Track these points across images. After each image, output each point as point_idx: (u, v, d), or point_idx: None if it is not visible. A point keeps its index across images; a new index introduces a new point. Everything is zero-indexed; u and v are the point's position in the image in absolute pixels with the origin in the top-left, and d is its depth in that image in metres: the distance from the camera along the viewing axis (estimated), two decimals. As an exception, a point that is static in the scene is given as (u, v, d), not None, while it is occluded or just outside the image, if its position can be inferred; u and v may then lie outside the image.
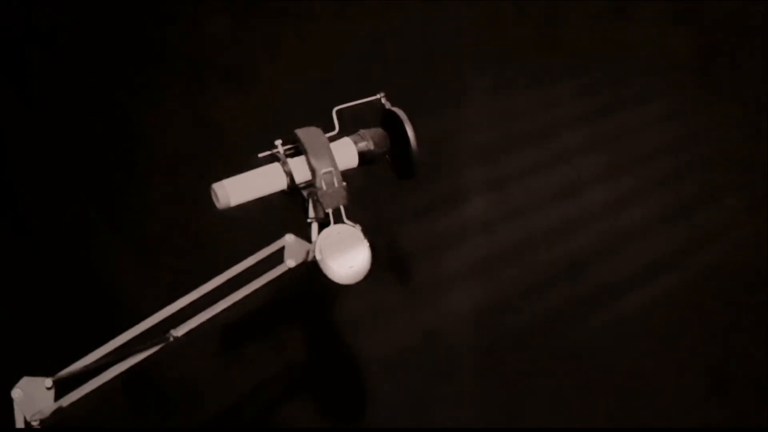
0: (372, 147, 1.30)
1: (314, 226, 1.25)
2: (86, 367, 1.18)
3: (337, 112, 1.30)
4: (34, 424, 1.16)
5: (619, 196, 2.17)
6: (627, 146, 2.25)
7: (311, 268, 1.23)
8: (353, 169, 1.30)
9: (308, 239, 1.26)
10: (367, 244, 1.21)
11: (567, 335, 1.95)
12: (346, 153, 1.28)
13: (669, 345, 1.94)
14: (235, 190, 1.21)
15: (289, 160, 1.24)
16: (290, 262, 1.29)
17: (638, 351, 1.93)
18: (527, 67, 2.33)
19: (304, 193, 1.25)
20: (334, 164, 1.24)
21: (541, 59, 2.34)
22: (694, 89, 2.35)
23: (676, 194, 2.18)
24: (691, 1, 2.44)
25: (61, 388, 1.17)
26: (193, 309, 1.24)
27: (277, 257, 1.30)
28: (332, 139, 1.27)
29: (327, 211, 1.23)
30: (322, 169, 1.23)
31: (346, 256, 1.20)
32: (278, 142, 1.25)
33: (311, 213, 1.24)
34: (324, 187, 1.23)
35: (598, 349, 1.93)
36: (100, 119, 2.16)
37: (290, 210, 1.29)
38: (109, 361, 1.19)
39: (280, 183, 1.24)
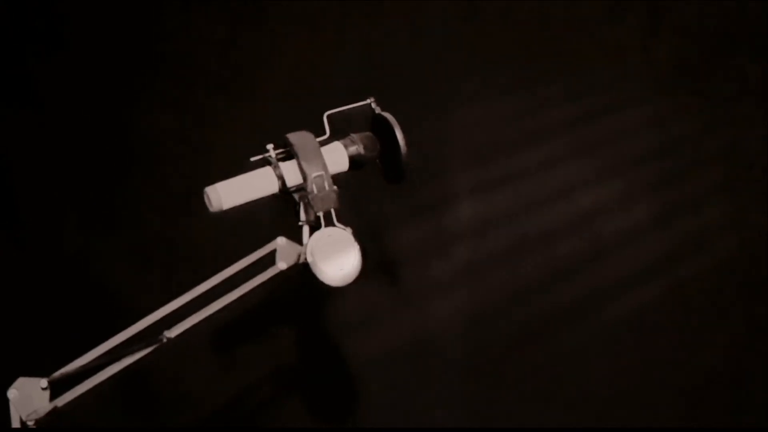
0: (362, 151, 1.31)
1: (305, 229, 1.25)
2: (81, 367, 1.18)
3: (328, 116, 1.31)
4: (30, 423, 1.16)
5: (608, 200, 2.18)
6: (615, 150, 2.26)
7: (302, 271, 1.25)
8: (344, 173, 1.32)
9: (299, 242, 1.27)
10: (358, 247, 1.22)
11: (556, 339, 1.96)
12: (336, 157, 1.29)
13: (660, 349, 1.95)
14: (227, 194, 1.22)
15: (280, 163, 1.25)
16: (282, 265, 1.30)
17: (628, 355, 1.94)
18: (516, 72, 2.34)
19: (296, 196, 1.26)
20: (324, 168, 1.25)
21: (530, 64, 2.36)
22: (681, 94, 2.36)
23: (665, 199, 2.19)
24: (676, 7, 2.46)
25: (57, 389, 1.18)
26: (187, 311, 1.26)
27: (269, 260, 1.31)
28: (323, 143, 1.28)
29: (318, 214, 1.24)
30: (313, 172, 1.24)
31: (336, 258, 1.21)
32: (270, 146, 1.26)
33: (302, 216, 1.25)
34: (315, 191, 1.24)
35: (588, 353, 1.94)
36: (95, 122, 2.16)
37: (282, 213, 1.30)
38: (104, 361, 1.19)
39: (272, 186, 1.25)
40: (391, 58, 2.30)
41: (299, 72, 2.27)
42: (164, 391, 1.82)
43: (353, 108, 1.33)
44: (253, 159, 1.26)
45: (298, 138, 1.26)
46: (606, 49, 2.40)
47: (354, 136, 1.32)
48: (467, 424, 1.85)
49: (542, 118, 2.29)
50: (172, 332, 1.23)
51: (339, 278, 1.21)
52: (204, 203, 1.23)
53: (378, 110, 1.33)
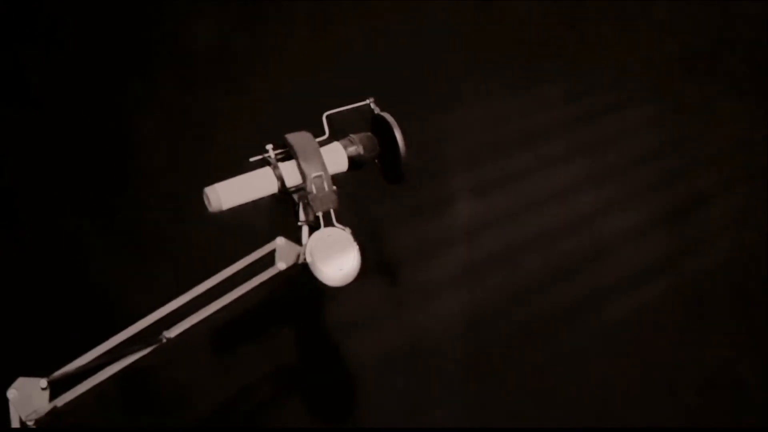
0: (361, 151, 1.31)
1: (305, 230, 1.26)
2: (81, 367, 1.19)
3: (328, 117, 1.31)
4: (30, 423, 1.16)
5: (608, 200, 2.18)
6: (615, 151, 2.26)
7: (302, 271, 1.25)
8: (343, 173, 1.32)
9: (299, 242, 1.27)
10: (357, 247, 1.23)
11: (556, 339, 1.96)
12: (335, 157, 1.29)
13: (660, 349, 1.95)
14: (227, 194, 1.22)
15: (280, 164, 1.25)
16: (281, 265, 1.30)
17: (628, 355, 1.94)
18: (516, 73, 2.34)
19: (295, 196, 1.26)
20: (324, 168, 1.25)
21: (530, 64, 2.36)
22: (681, 93, 2.37)
23: (665, 199, 2.19)
24: (676, 7, 2.46)
25: (56, 389, 1.18)
26: (186, 311, 1.26)
27: (268, 260, 1.31)
28: (322, 143, 1.29)
29: (317, 214, 1.24)
30: (313, 173, 1.24)
31: (335, 259, 1.21)
32: (269, 147, 1.27)
33: (302, 216, 1.26)
34: (314, 191, 1.24)
35: (588, 353, 1.94)
36: (95, 122, 2.16)
37: (281, 213, 1.30)
38: (103, 362, 1.20)
39: (271, 187, 1.25)
40: (391, 58, 2.30)
41: (299, 72, 2.28)
42: (164, 391, 1.82)
43: (353, 108, 1.33)
44: (252, 159, 1.26)
45: (298, 138, 1.27)
46: (606, 49, 2.41)
47: (353, 136, 1.32)
48: (467, 424, 1.85)
49: (542, 118, 2.29)
50: (172, 332, 1.23)
51: (338, 278, 1.22)
52: (203, 203, 1.23)
53: (377, 110, 1.34)
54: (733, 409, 1.88)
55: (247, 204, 1.25)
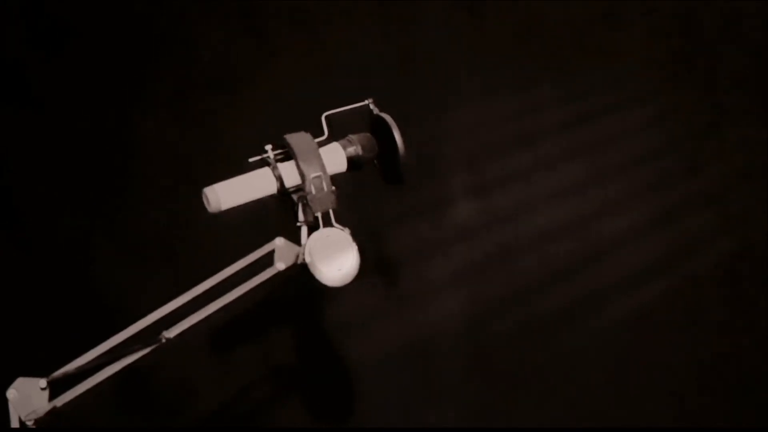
0: (360, 152, 1.31)
1: (304, 230, 1.26)
2: (80, 367, 1.19)
3: (327, 117, 1.31)
4: (29, 423, 1.17)
5: (608, 200, 2.18)
6: (615, 151, 2.26)
7: (301, 271, 1.25)
8: (342, 173, 1.32)
9: (298, 242, 1.27)
10: (356, 247, 1.23)
11: (556, 339, 1.96)
12: (334, 158, 1.30)
13: (660, 349, 1.95)
14: (226, 194, 1.22)
15: (279, 164, 1.25)
16: (280, 265, 1.31)
17: (628, 355, 1.94)
18: (515, 73, 2.34)
19: (294, 197, 1.26)
20: (323, 169, 1.25)
21: (529, 64, 2.36)
22: (681, 93, 2.36)
23: (665, 199, 2.19)
24: (676, 7, 2.46)
25: (56, 389, 1.18)
26: (185, 311, 1.26)
27: (268, 260, 1.31)
28: (321, 144, 1.29)
29: (316, 214, 1.24)
30: (312, 173, 1.24)
31: (335, 259, 1.21)
32: (268, 147, 1.27)
33: (301, 217, 1.26)
34: (313, 192, 1.24)
35: (588, 353, 1.94)
36: (95, 123, 2.16)
37: (280, 214, 1.30)
38: (103, 361, 1.20)
39: (271, 187, 1.25)
40: (390, 58, 2.30)
41: (299, 72, 2.28)
42: (164, 391, 1.82)
43: (352, 109, 1.33)
44: (251, 160, 1.26)
45: (297, 139, 1.27)
46: (606, 49, 2.40)
47: (352, 136, 1.32)
48: (467, 424, 1.86)
49: (542, 118, 2.29)
50: (171, 332, 1.23)
51: (337, 278, 1.22)
52: (203, 203, 1.24)
53: (376, 111, 1.34)
54: (733, 409, 1.88)
55: (246, 204, 1.25)
